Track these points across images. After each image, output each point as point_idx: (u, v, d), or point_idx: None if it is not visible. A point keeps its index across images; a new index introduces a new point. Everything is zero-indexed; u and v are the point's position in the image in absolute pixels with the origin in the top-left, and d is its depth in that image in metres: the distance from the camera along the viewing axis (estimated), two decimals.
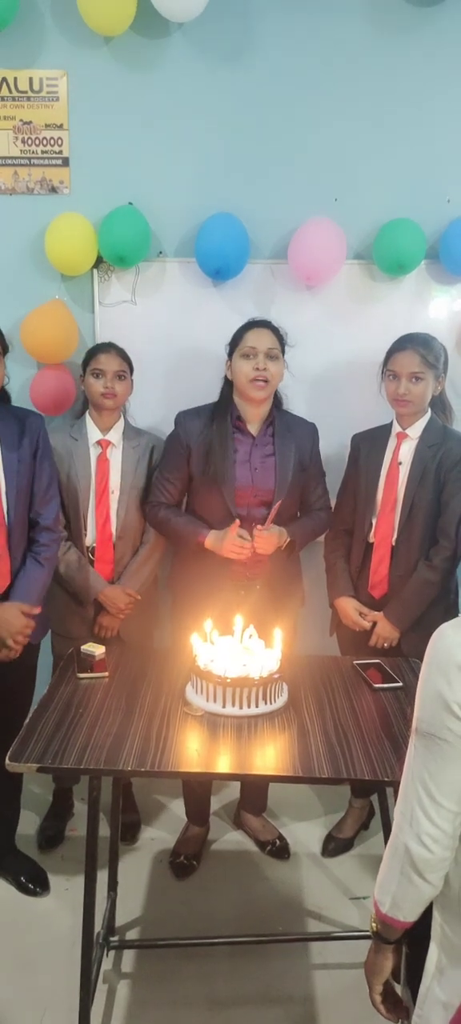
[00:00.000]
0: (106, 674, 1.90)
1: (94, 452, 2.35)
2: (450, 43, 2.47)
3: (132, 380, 2.38)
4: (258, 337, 2.17)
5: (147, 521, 2.36)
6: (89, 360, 2.34)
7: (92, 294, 2.64)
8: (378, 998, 1.17)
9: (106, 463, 2.34)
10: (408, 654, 2.14)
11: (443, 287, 2.61)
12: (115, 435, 2.37)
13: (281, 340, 2.21)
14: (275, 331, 2.20)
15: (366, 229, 2.56)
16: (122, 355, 2.35)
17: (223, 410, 2.24)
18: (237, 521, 2.13)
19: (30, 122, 2.56)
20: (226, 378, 2.26)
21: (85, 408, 2.42)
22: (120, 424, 2.39)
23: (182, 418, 2.28)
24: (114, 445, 2.36)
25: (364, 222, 2.55)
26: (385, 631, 2.24)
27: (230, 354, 2.22)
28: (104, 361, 2.30)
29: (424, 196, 2.53)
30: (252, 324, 2.21)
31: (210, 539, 2.18)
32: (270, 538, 2.15)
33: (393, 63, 2.49)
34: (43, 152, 2.57)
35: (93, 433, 2.36)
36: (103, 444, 2.35)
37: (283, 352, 2.22)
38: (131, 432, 2.41)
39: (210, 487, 2.20)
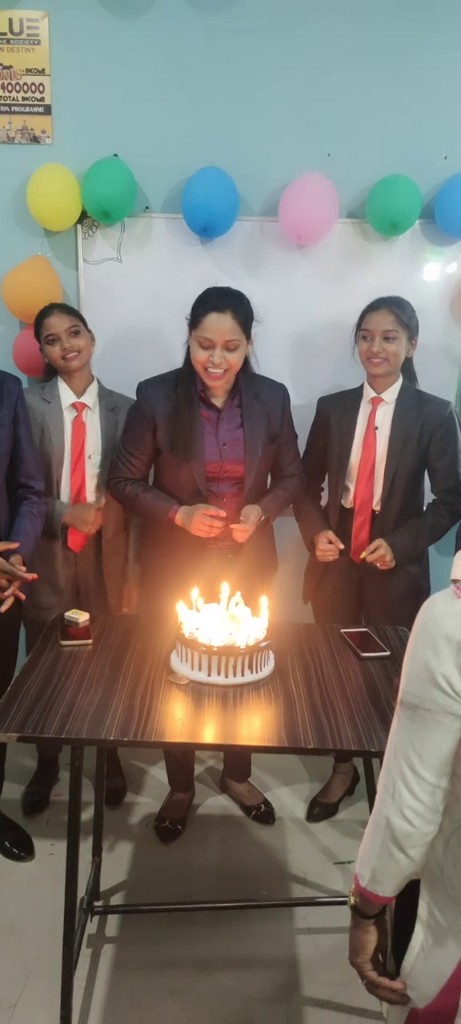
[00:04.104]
0: (90, 641, 1.87)
1: (69, 415, 2.26)
2: None
3: (90, 333, 2.28)
4: (217, 326, 1.95)
5: (113, 496, 2.25)
6: (39, 330, 2.23)
7: (76, 251, 2.55)
8: (373, 975, 1.11)
9: (82, 427, 2.26)
10: (396, 623, 2.12)
11: (437, 248, 2.54)
12: (90, 398, 2.28)
13: (246, 319, 2.01)
14: (238, 312, 1.98)
15: (360, 186, 2.48)
16: (70, 311, 2.26)
17: (186, 381, 2.09)
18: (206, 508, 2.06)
19: (10, 67, 2.44)
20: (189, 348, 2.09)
21: (54, 370, 2.31)
22: (94, 386, 2.30)
23: (144, 388, 2.14)
24: (89, 408, 2.28)
25: (358, 179, 2.47)
26: (383, 549, 2.17)
27: (190, 326, 2.05)
28: (54, 324, 2.20)
29: (420, 152, 2.45)
30: (210, 306, 1.97)
31: (180, 515, 2.09)
32: (249, 528, 2.09)
33: (389, 15, 2.39)
34: (24, 99, 2.46)
35: (67, 396, 2.26)
36: (78, 407, 2.26)
37: (249, 333, 2.04)
38: (105, 394, 2.33)
39: (179, 463, 2.10)
